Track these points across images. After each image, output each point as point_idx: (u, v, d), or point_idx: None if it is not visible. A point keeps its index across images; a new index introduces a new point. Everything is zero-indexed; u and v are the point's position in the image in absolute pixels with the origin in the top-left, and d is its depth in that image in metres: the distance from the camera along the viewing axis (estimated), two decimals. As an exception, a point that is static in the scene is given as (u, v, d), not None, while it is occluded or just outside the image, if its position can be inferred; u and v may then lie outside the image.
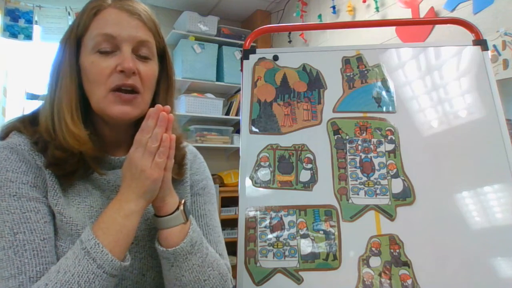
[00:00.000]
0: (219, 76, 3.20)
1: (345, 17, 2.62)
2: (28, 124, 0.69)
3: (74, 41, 0.68)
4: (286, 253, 0.89)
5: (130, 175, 0.62)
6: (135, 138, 0.63)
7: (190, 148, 0.85)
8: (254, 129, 1.01)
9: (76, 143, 0.64)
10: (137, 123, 0.68)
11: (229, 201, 2.83)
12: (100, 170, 0.70)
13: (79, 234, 0.64)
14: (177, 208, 0.67)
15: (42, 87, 0.77)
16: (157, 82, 0.74)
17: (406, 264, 0.85)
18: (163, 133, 0.62)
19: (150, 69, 0.70)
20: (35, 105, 0.75)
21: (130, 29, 0.67)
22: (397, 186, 0.92)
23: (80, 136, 0.65)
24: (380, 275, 0.85)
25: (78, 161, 0.66)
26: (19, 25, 2.72)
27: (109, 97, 0.66)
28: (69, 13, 2.84)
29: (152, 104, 0.67)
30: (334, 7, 2.68)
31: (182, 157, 0.79)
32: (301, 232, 0.90)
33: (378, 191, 0.92)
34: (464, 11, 1.87)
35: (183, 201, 0.69)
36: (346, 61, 1.06)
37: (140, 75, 0.67)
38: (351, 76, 1.04)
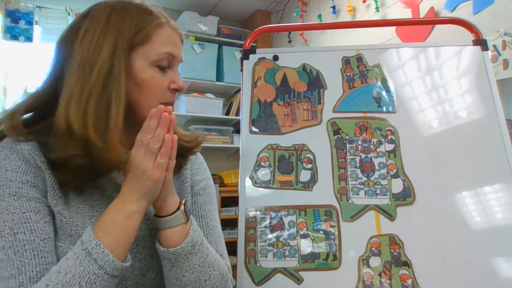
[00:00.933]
0: (219, 76, 3.20)
1: (345, 17, 2.62)
2: (22, 128, 0.65)
3: (128, 47, 0.66)
4: (286, 253, 0.89)
5: (132, 175, 0.62)
6: (137, 138, 0.63)
7: None
8: (254, 129, 1.01)
9: (117, 160, 0.62)
10: None
11: (229, 201, 2.83)
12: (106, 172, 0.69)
13: (79, 234, 0.63)
14: (178, 208, 0.67)
15: (41, 86, 0.70)
16: None
17: (406, 264, 0.85)
18: (165, 133, 0.62)
19: None
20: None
21: (180, 51, 0.73)
22: (397, 186, 0.92)
23: (120, 151, 0.62)
24: (380, 275, 0.85)
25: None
26: (19, 26, 2.72)
27: None
28: (69, 14, 2.85)
29: None
30: (334, 7, 2.68)
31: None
32: (301, 232, 0.90)
33: (378, 191, 0.92)
34: (464, 11, 1.87)
35: (183, 201, 0.69)
36: (346, 61, 1.06)
37: (182, 90, 0.73)
38: (351, 76, 1.04)
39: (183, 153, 0.78)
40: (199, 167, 0.85)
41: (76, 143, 0.61)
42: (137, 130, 0.64)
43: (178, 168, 0.79)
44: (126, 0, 0.71)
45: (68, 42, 0.68)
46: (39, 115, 0.68)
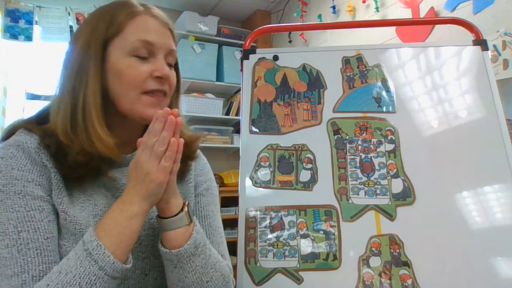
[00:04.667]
0: (219, 76, 3.20)
1: (345, 17, 2.62)
2: (35, 125, 0.68)
3: (101, 41, 0.67)
4: (286, 253, 0.89)
5: (135, 177, 0.62)
6: (142, 140, 0.63)
7: None
8: (254, 129, 1.01)
9: (105, 149, 0.64)
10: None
11: (229, 201, 2.83)
12: (108, 170, 0.70)
13: (82, 233, 0.64)
14: (181, 210, 0.67)
15: (50, 87, 0.75)
16: None
17: (406, 264, 0.85)
18: (171, 137, 0.62)
19: (174, 75, 0.74)
20: (36, 105, 0.75)
21: (165, 39, 0.71)
22: (397, 186, 0.92)
23: (109, 142, 0.65)
24: (380, 275, 0.85)
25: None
26: (19, 26, 2.72)
27: (143, 100, 0.68)
28: (69, 13, 2.85)
29: None
30: (334, 7, 2.68)
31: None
32: (301, 232, 0.90)
33: (378, 191, 0.92)
34: (464, 11, 1.87)
35: (187, 203, 0.69)
36: (346, 61, 1.06)
37: (168, 81, 0.71)
38: (351, 76, 1.04)
39: (186, 156, 0.78)
40: (202, 168, 0.85)
41: (52, 142, 0.65)
42: (121, 122, 0.69)
43: (181, 173, 0.79)
44: (116, 1, 0.72)
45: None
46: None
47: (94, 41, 0.67)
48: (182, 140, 0.63)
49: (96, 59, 0.67)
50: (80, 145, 0.64)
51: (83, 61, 0.67)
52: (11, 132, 0.69)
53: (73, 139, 0.64)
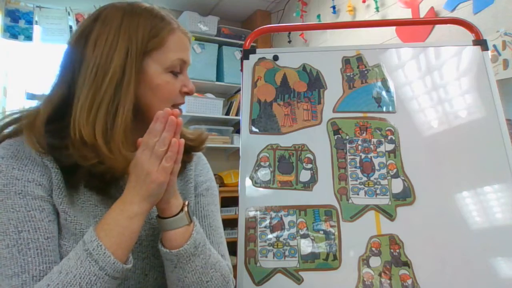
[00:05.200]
0: (219, 76, 3.20)
1: (345, 17, 2.62)
2: (42, 123, 0.64)
3: (141, 52, 0.67)
4: (286, 253, 0.89)
5: (136, 177, 0.62)
6: (142, 140, 0.62)
7: None
8: (254, 129, 1.01)
9: (123, 167, 0.64)
10: None
11: (229, 201, 2.83)
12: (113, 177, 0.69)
13: (83, 233, 0.64)
14: (181, 210, 0.67)
15: (52, 87, 0.70)
16: None
17: (406, 264, 0.85)
18: (172, 137, 0.62)
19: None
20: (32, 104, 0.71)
21: (190, 56, 0.77)
22: (397, 186, 0.92)
23: (129, 159, 0.64)
24: (380, 275, 0.85)
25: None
26: (19, 25, 2.72)
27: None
28: (69, 14, 2.85)
29: None
30: (334, 7, 2.68)
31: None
32: (301, 232, 0.90)
33: (378, 191, 0.92)
34: (464, 11, 1.87)
35: (187, 203, 0.69)
36: (346, 61, 1.06)
37: (193, 93, 0.77)
38: (351, 76, 1.04)
39: (187, 149, 0.78)
40: (202, 168, 0.85)
41: (89, 151, 0.62)
42: (142, 128, 0.65)
43: (183, 166, 0.79)
44: (135, 3, 0.71)
45: (80, 45, 0.68)
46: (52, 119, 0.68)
47: (135, 50, 0.67)
48: (183, 141, 0.63)
49: (136, 73, 0.67)
50: (117, 158, 0.63)
51: (125, 70, 0.65)
52: (14, 129, 0.67)
53: (114, 151, 0.63)
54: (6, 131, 0.68)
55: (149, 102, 0.69)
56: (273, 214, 0.92)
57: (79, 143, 0.62)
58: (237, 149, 2.21)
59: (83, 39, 0.68)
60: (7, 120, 0.69)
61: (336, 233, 0.89)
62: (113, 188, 0.70)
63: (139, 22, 0.68)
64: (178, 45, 0.72)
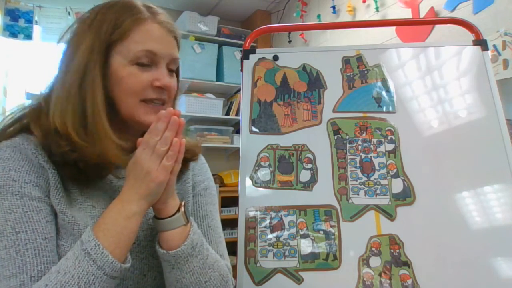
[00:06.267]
0: (219, 76, 3.20)
1: (345, 17, 2.62)
2: (35, 123, 0.67)
3: (105, 45, 0.67)
4: (286, 253, 0.89)
5: (134, 175, 0.62)
6: (143, 139, 0.63)
7: None
8: (254, 129, 1.01)
9: (116, 157, 0.64)
10: None
11: (229, 201, 2.83)
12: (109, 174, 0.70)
13: (81, 233, 0.63)
14: (178, 210, 0.67)
15: (46, 87, 0.72)
16: None
17: (406, 264, 0.85)
18: (174, 137, 0.62)
19: (175, 82, 0.73)
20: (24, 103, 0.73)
21: (168, 47, 0.70)
22: (397, 186, 0.92)
23: (119, 147, 0.65)
24: (380, 275, 0.85)
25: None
26: (19, 24, 2.72)
27: (140, 107, 0.68)
28: (69, 13, 2.84)
29: None
30: (334, 7, 2.68)
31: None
32: (301, 232, 0.90)
33: (378, 191, 0.92)
34: (464, 11, 1.87)
35: (183, 203, 0.69)
36: (346, 61, 1.06)
37: (167, 90, 0.71)
38: (351, 76, 1.04)
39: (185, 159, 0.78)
40: (200, 168, 0.85)
41: (62, 139, 0.63)
42: (121, 126, 0.69)
43: (180, 171, 0.79)
44: (120, 0, 0.71)
45: (62, 43, 0.71)
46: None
47: (98, 45, 0.67)
48: (184, 140, 0.63)
49: (100, 62, 0.67)
50: (92, 146, 0.63)
51: (88, 65, 0.66)
52: (16, 131, 0.68)
53: (87, 140, 0.64)
54: (9, 130, 0.69)
55: (117, 97, 0.68)
56: (273, 214, 0.92)
57: (54, 132, 0.64)
58: (237, 149, 2.21)
59: (67, 36, 0.71)
60: (9, 120, 0.70)
61: (336, 233, 0.89)
62: (100, 182, 0.70)
63: (106, 15, 0.68)
64: (146, 35, 0.68)
